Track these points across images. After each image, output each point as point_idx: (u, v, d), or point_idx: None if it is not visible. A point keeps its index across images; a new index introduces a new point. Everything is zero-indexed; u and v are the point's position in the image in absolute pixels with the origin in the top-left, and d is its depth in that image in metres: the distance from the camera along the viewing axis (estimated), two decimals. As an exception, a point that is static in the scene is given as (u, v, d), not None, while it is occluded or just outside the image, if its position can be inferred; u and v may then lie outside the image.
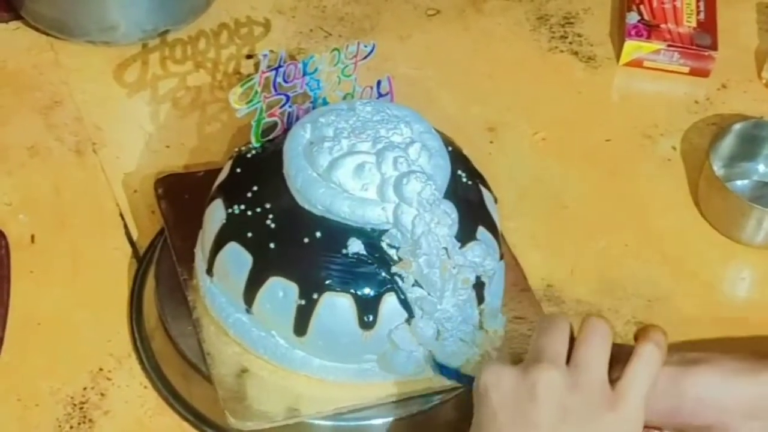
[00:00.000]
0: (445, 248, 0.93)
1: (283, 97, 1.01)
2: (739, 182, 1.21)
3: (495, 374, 0.84)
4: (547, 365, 0.82)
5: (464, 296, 0.94)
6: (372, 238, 0.93)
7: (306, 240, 0.93)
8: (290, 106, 1.01)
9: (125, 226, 1.13)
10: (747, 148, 1.21)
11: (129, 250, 1.11)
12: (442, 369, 0.95)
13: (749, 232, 1.15)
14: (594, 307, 1.10)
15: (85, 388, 1.01)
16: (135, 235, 1.12)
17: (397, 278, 0.93)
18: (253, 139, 1.00)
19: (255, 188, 0.96)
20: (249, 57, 1.29)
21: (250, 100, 0.99)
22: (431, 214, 0.92)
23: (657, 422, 0.87)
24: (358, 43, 1.04)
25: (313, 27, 1.34)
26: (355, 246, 0.93)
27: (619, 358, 0.84)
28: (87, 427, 0.99)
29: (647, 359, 0.83)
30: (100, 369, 1.03)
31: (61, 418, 1.00)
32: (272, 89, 1.00)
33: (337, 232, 0.93)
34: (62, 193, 1.16)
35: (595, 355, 0.83)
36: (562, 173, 1.22)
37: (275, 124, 1.01)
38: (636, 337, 0.85)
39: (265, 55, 1.01)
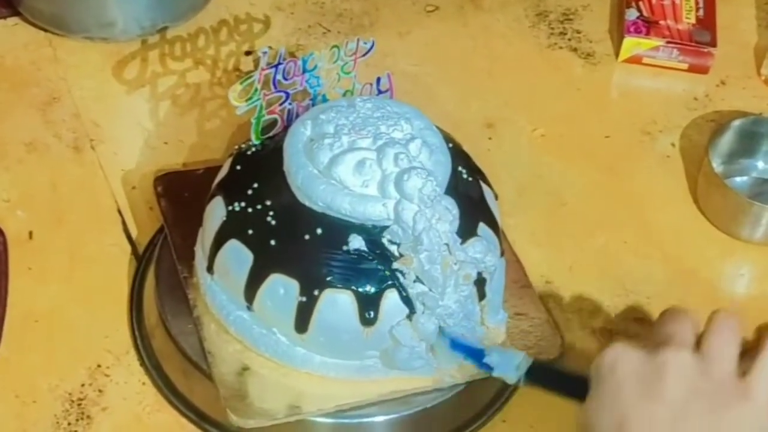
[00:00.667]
0: (447, 244, 0.93)
1: (282, 94, 1.01)
2: (738, 179, 1.21)
3: (623, 351, 0.83)
4: (678, 347, 0.82)
5: (465, 292, 0.94)
6: (373, 234, 0.93)
7: (307, 237, 0.93)
8: (290, 104, 1.01)
9: (124, 223, 1.13)
10: (746, 145, 1.21)
11: (128, 247, 1.11)
12: (453, 344, 0.94)
13: (748, 229, 1.15)
14: (593, 304, 1.10)
15: (83, 385, 1.01)
16: (134, 233, 1.12)
17: (398, 274, 0.93)
18: (253, 137, 1.00)
19: (255, 185, 0.96)
20: (248, 54, 1.29)
21: (250, 98, 0.98)
22: (432, 210, 0.92)
23: None
24: (358, 40, 1.04)
25: (312, 23, 1.34)
26: (356, 242, 0.92)
27: (744, 354, 0.83)
28: (85, 424, 0.99)
29: None
30: (98, 365, 1.02)
31: (59, 414, 0.99)
32: (272, 86, 1.00)
33: (338, 229, 0.93)
34: (60, 190, 1.16)
35: (726, 345, 0.83)
36: (561, 170, 1.22)
37: (275, 122, 1.01)
38: (761, 334, 0.84)
39: (264, 52, 1.01)
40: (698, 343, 0.83)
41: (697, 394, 0.80)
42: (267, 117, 1.00)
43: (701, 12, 1.34)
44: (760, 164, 1.22)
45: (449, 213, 0.93)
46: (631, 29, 1.31)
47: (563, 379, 0.91)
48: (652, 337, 0.84)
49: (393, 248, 0.93)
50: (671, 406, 0.80)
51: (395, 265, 0.92)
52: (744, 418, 0.80)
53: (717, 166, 1.17)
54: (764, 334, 0.84)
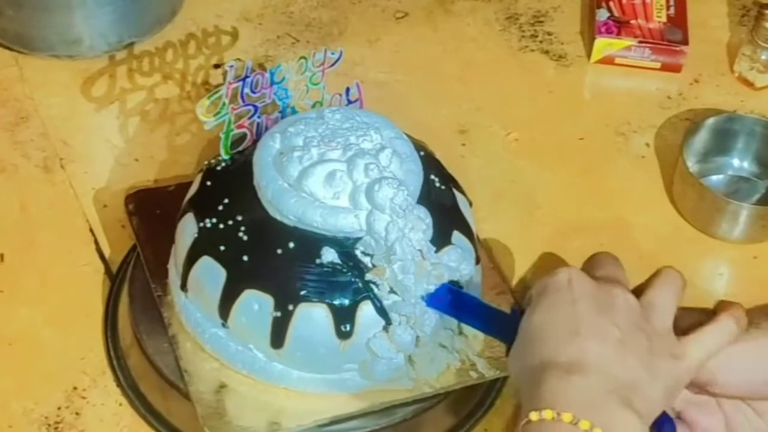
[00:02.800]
0: (420, 251, 0.92)
1: (251, 107, 1.00)
2: (714, 177, 1.21)
3: (578, 274, 0.84)
4: (624, 289, 0.84)
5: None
6: (346, 246, 0.92)
7: (279, 251, 0.92)
8: (259, 117, 1.01)
9: (96, 243, 1.12)
10: (721, 143, 1.21)
11: (101, 266, 1.10)
12: (429, 300, 0.94)
13: (725, 227, 1.15)
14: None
15: (59, 408, 1.00)
16: (106, 252, 1.11)
17: (372, 286, 0.92)
18: (222, 152, 0.99)
19: (226, 201, 0.95)
20: (217, 66, 1.28)
21: (218, 112, 0.98)
22: (405, 220, 0.91)
23: (742, 395, 0.87)
24: (325, 50, 1.03)
25: (280, 34, 1.33)
26: (329, 255, 0.92)
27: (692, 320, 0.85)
28: (63, 447, 0.98)
29: (722, 328, 0.83)
30: (75, 388, 1.01)
31: (36, 439, 0.99)
32: (240, 100, 0.99)
33: (311, 242, 0.92)
34: (30, 211, 1.14)
35: (668, 300, 0.84)
36: (535, 173, 1.21)
37: (244, 136, 1.00)
38: (716, 310, 0.85)
39: (231, 66, 1.00)
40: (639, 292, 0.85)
41: (639, 331, 0.82)
42: (236, 131, 0.99)
43: (672, 10, 1.33)
44: (735, 161, 1.22)
45: (422, 222, 0.92)
46: (602, 30, 1.31)
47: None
48: (589, 273, 0.85)
49: (366, 260, 0.92)
50: (620, 330, 0.81)
51: (368, 276, 0.92)
52: (671, 372, 0.82)
53: (692, 165, 1.17)
54: (722, 307, 0.85)
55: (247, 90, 1.00)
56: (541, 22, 1.37)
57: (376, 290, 0.92)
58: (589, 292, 0.83)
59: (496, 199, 1.18)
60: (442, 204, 0.98)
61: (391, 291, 0.92)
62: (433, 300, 0.93)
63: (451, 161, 1.05)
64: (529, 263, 1.12)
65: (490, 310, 0.94)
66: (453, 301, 0.93)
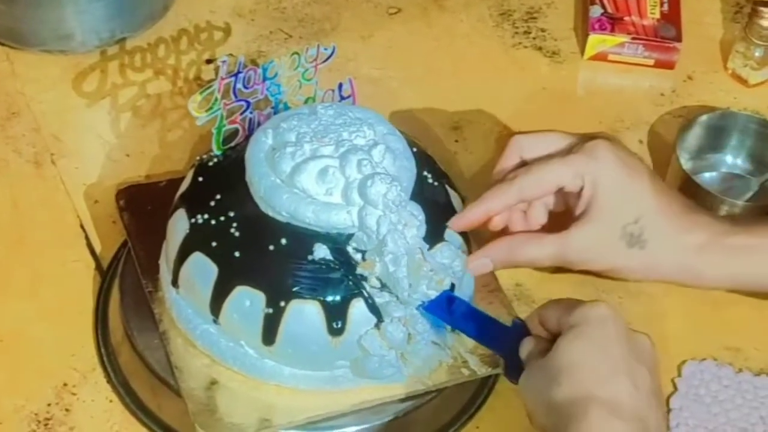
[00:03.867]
0: (420, 248, 0.92)
1: (243, 103, 0.99)
2: (707, 174, 1.20)
3: (617, 311, 0.87)
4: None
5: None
6: (338, 242, 0.92)
7: (271, 247, 0.92)
8: (251, 113, 1.00)
9: (87, 238, 1.11)
10: (714, 140, 1.20)
11: (92, 262, 1.09)
12: (428, 307, 0.93)
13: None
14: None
15: (49, 404, 0.99)
16: (97, 247, 1.10)
17: (364, 283, 0.92)
18: (214, 147, 0.98)
19: (218, 197, 0.95)
20: (209, 62, 1.28)
21: (210, 108, 0.97)
22: (398, 215, 0.91)
23: None
24: (318, 46, 1.03)
25: (273, 29, 1.33)
26: (321, 251, 0.91)
27: None
28: (53, 444, 0.98)
29: None
30: (65, 384, 1.01)
31: (26, 435, 0.98)
32: (232, 96, 0.99)
33: (303, 238, 0.92)
34: (21, 206, 1.14)
35: None
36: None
37: (236, 131, 0.99)
38: None
39: (224, 61, 0.99)
40: None
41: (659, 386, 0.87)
42: (228, 127, 0.98)
43: (666, 7, 1.33)
44: (729, 159, 1.21)
45: (415, 218, 0.92)
46: (596, 26, 1.31)
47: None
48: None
49: (358, 256, 0.92)
50: (651, 380, 0.85)
51: (358, 269, 0.91)
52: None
53: (685, 162, 1.16)
54: None
55: (239, 85, 0.99)
56: (535, 18, 1.36)
57: (368, 287, 0.92)
58: (628, 334, 0.86)
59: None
60: (435, 200, 0.98)
61: (383, 287, 0.91)
62: (433, 306, 0.93)
63: (444, 158, 1.04)
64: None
65: (490, 322, 0.93)
66: (453, 310, 0.93)
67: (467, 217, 0.95)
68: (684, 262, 0.95)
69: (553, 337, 0.88)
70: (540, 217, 1.00)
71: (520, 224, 0.99)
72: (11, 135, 1.20)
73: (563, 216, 1.01)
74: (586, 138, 0.98)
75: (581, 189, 0.96)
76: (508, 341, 0.91)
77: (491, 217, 0.97)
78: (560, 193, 0.98)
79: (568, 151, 0.98)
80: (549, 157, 0.97)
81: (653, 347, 0.87)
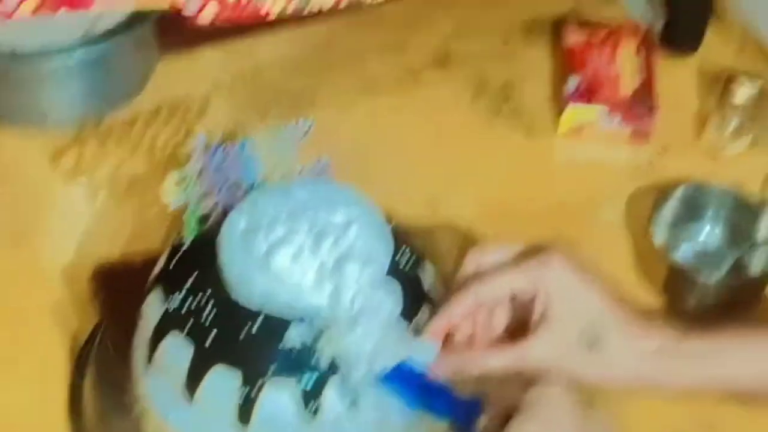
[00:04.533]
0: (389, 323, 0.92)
1: (217, 183, 1.00)
2: (684, 246, 1.21)
3: (568, 390, 0.90)
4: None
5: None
6: (313, 324, 0.91)
7: (247, 329, 0.91)
8: (225, 192, 1.00)
9: (62, 318, 1.10)
10: (690, 212, 1.21)
11: (66, 342, 1.09)
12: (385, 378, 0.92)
13: (694, 301, 1.14)
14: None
15: (19, 491, 0.99)
16: (72, 329, 1.09)
17: (338, 364, 0.91)
18: (186, 233, 0.98)
19: (192, 279, 0.94)
20: (187, 137, 1.27)
21: (185, 189, 0.97)
22: (373, 295, 0.91)
23: None
24: (296, 121, 1.03)
25: (252, 103, 1.33)
26: (296, 333, 0.91)
27: None
28: None
29: None
30: (37, 469, 1.00)
31: None
32: (208, 174, 0.99)
33: (278, 321, 0.91)
34: (-7, 285, 1.14)
35: None
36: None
37: (209, 214, 0.99)
38: None
39: (200, 139, 0.99)
40: None
41: None
42: (202, 209, 0.98)
43: (641, 79, 1.34)
44: (706, 231, 1.22)
45: (390, 297, 0.92)
46: (572, 98, 1.31)
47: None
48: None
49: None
50: None
51: (318, 346, 0.91)
52: None
53: (661, 235, 1.17)
54: None
55: (214, 164, 0.99)
56: (511, 91, 1.37)
57: (342, 368, 0.91)
58: (582, 414, 0.88)
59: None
60: (412, 277, 0.98)
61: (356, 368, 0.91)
62: (390, 378, 0.92)
63: (421, 232, 1.04)
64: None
65: (446, 395, 0.93)
66: (411, 381, 0.93)
67: (433, 329, 0.97)
68: (640, 368, 0.96)
69: (508, 416, 0.89)
70: (501, 322, 1.01)
71: (485, 326, 1.00)
72: (-13, 213, 1.20)
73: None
74: (540, 248, 1.00)
75: (535, 297, 0.97)
76: (464, 416, 0.92)
77: (455, 324, 0.99)
78: (517, 300, 1.00)
79: (522, 260, 0.99)
80: (504, 265, 0.99)
81: (612, 424, 0.89)
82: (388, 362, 0.92)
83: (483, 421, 0.91)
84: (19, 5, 1.14)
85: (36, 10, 1.15)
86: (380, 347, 0.91)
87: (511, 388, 0.91)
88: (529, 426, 0.87)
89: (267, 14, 1.22)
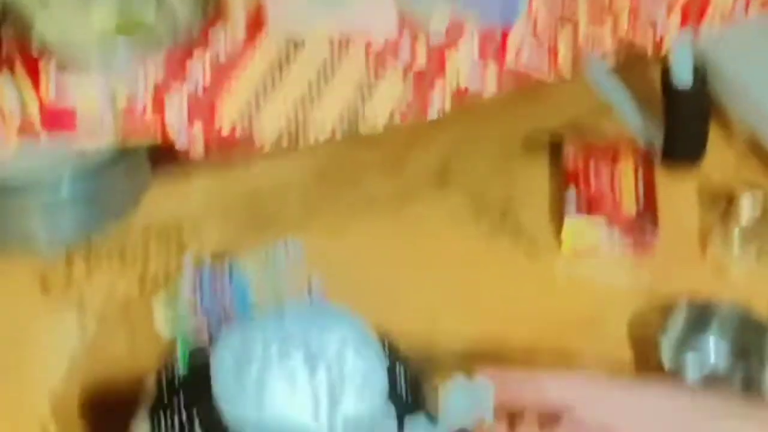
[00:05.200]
0: None
1: (209, 307, 0.97)
2: (692, 364, 1.17)
3: None
4: None
5: None
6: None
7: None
8: (217, 317, 0.98)
9: (50, 450, 1.08)
10: (696, 331, 1.18)
11: (55, 474, 1.06)
12: None
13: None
14: None
15: None
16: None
17: None
18: (180, 366, 0.95)
19: (182, 412, 0.91)
20: (178, 259, 1.25)
21: (175, 316, 0.95)
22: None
23: None
24: (287, 243, 1.01)
25: (244, 227, 1.30)
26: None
27: None
28: None
29: None
30: None
31: None
32: (198, 298, 0.97)
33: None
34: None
35: None
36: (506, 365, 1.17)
37: (204, 348, 0.96)
38: None
39: (189, 262, 0.97)
40: None
41: None
42: (193, 342, 0.95)
43: (642, 194, 1.32)
44: (711, 350, 1.19)
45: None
46: (570, 212, 1.29)
47: None
48: None
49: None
50: None
51: None
52: None
53: (669, 355, 1.14)
54: None
55: (205, 286, 0.97)
56: (511, 209, 1.35)
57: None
58: None
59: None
60: (409, 399, 0.96)
61: None
62: None
63: (419, 352, 1.01)
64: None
65: None
66: None
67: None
68: None
69: None
70: None
71: None
72: (-27, 342, 1.17)
73: None
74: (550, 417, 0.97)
75: None
76: None
77: None
78: None
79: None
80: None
81: None
82: None
83: None
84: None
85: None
86: None
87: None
88: None
89: (261, 147, 1.22)
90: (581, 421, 0.92)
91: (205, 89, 1.22)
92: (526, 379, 0.95)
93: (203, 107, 1.21)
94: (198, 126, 1.20)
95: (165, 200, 1.32)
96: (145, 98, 1.20)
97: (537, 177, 1.38)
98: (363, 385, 0.89)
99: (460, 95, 1.28)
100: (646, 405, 0.93)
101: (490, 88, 1.29)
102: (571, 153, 1.35)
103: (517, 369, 0.96)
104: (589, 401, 0.93)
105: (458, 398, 0.94)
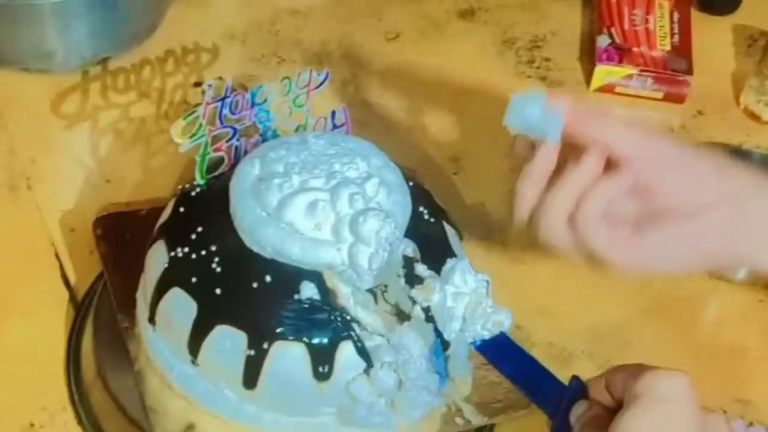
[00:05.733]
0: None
1: (229, 130, 0.94)
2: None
3: (690, 385, 0.76)
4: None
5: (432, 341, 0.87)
6: (323, 281, 0.86)
7: (255, 285, 0.86)
8: (237, 140, 0.95)
9: (61, 269, 1.05)
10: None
11: (66, 294, 1.03)
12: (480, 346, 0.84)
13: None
14: (566, 351, 1.04)
15: (15, 445, 0.94)
16: (72, 279, 1.04)
17: (354, 325, 0.86)
18: (197, 176, 0.93)
19: (200, 229, 0.89)
20: (197, 85, 1.22)
21: (194, 134, 0.92)
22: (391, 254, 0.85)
23: None
24: (311, 71, 0.98)
25: (265, 53, 1.27)
26: (308, 290, 0.86)
27: None
28: (18, 488, 0.92)
29: None
30: (32, 424, 0.95)
31: (-11, 478, 0.92)
32: (218, 122, 0.94)
33: (289, 276, 0.86)
34: (-10, 231, 1.08)
35: None
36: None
37: (222, 159, 0.94)
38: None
39: (210, 85, 0.94)
40: None
41: None
42: (212, 155, 0.93)
43: (676, 38, 1.28)
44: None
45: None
46: (603, 57, 1.25)
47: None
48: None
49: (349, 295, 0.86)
50: None
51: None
52: None
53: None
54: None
55: (226, 111, 0.95)
56: (539, 47, 1.31)
57: (358, 330, 0.86)
58: (700, 416, 0.75)
59: (489, 233, 1.12)
60: (431, 237, 0.93)
61: (427, 318, 0.84)
62: (485, 346, 0.84)
63: (442, 191, 0.99)
64: (522, 303, 1.04)
65: (545, 376, 0.82)
66: (509, 355, 0.84)
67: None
68: None
69: (618, 407, 0.77)
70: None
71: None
72: (-15, 157, 1.14)
73: None
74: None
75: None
76: (561, 401, 0.80)
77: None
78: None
79: None
80: None
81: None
82: (477, 328, 0.85)
83: (581, 408, 0.79)
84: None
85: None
86: (473, 310, 0.84)
87: (622, 375, 0.78)
88: (642, 421, 0.74)
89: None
90: (635, 174, 0.89)
91: None
92: (598, 118, 0.91)
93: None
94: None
95: (183, 24, 1.28)
96: None
97: (568, 16, 1.34)
98: (386, 216, 0.86)
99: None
100: (698, 175, 0.90)
101: None
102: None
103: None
104: (649, 159, 0.89)
105: (529, 107, 0.90)
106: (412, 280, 0.84)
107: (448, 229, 0.96)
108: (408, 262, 0.85)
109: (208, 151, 0.93)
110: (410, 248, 0.86)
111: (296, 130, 0.98)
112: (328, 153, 0.90)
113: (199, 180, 0.93)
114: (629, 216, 0.90)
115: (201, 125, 0.92)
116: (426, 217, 0.94)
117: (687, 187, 0.89)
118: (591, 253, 0.89)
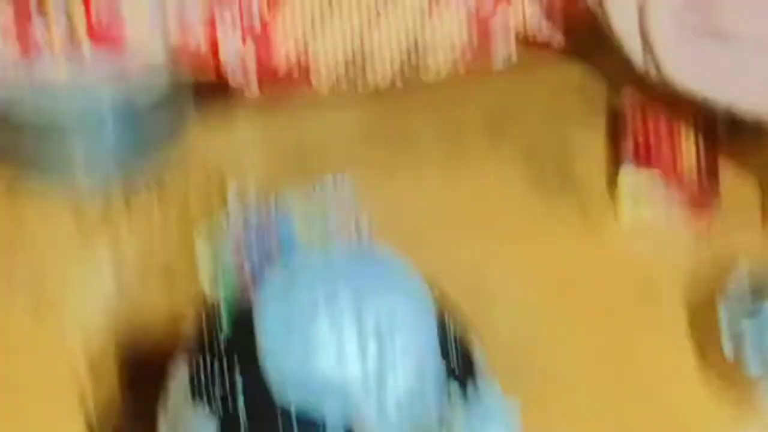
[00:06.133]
0: None
1: (253, 251, 0.94)
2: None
3: None
4: None
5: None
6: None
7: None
8: (262, 259, 0.94)
9: (83, 394, 1.05)
10: (757, 297, 1.13)
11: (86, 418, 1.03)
12: None
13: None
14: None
15: None
16: (93, 403, 1.05)
17: None
18: (224, 326, 0.91)
19: (225, 362, 0.88)
20: (220, 200, 1.21)
21: (219, 262, 0.92)
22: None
23: None
24: (334, 178, 0.98)
25: (289, 172, 1.26)
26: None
27: None
28: None
29: None
30: None
31: None
32: (242, 239, 0.93)
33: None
34: (12, 358, 1.08)
35: None
36: (559, 336, 1.14)
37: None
38: None
39: (234, 201, 0.94)
40: None
41: None
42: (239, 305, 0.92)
43: (702, 154, 1.27)
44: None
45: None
46: (626, 163, 1.26)
47: None
48: None
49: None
50: None
51: None
52: None
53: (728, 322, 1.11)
54: None
55: (249, 229, 0.94)
56: (563, 161, 1.31)
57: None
58: None
59: (512, 354, 1.09)
60: (458, 353, 0.92)
61: None
62: None
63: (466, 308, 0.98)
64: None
65: None
66: None
67: None
68: None
69: None
70: None
71: None
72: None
73: None
74: None
75: None
76: None
77: None
78: None
79: None
80: None
81: None
82: None
83: None
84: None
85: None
86: None
87: None
88: None
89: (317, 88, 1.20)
90: None
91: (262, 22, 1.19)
92: None
93: (259, 41, 1.19)
94: (251, 58, 1.18)
95: (208, 141, 1.28)
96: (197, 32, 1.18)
97: (593, 126, 1.34)
98: (412, 335, 0.86)
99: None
100: None
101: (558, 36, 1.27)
102: (629, 105, 1.31)
103: None
104: None
105: None
106: None
107: (474, 345, 0.95)
108: None
109: (232, 284, 0.92)
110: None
111: (321, 240, 0.97)
112: (353, 271, 0.89)
113: (225, 330, 0.91)
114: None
115: (224, 258, 0.91)
116: (452, 331, 0.93)
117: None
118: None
